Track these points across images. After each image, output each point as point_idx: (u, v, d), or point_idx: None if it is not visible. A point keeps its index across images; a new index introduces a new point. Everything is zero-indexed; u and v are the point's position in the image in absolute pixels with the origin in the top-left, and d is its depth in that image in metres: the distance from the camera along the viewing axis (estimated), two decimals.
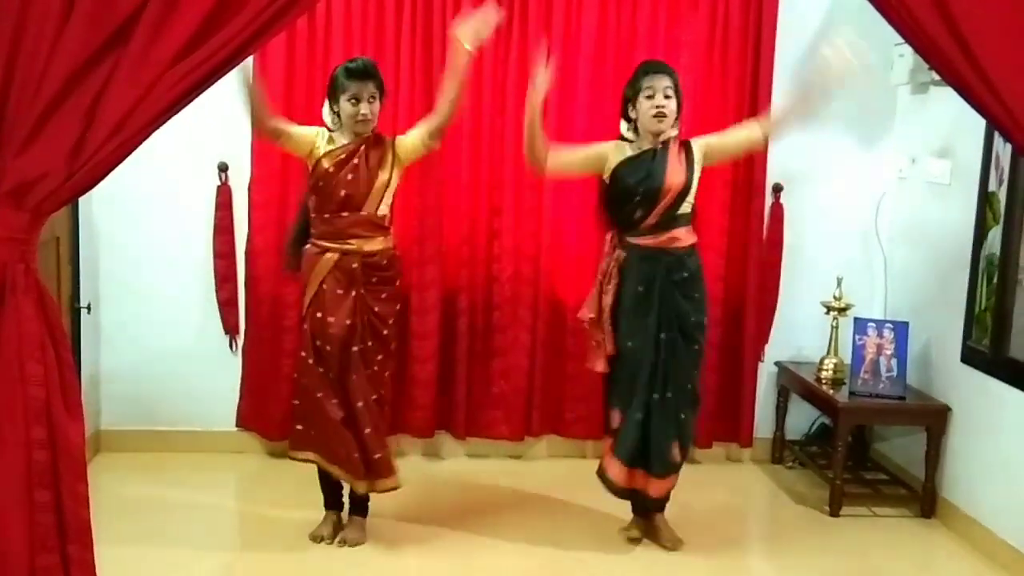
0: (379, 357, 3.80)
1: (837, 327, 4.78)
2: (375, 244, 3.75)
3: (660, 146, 3.78)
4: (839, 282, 4.79)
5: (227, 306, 4.79)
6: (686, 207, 3.82)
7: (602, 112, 4.70)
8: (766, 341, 5.01)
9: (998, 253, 4.08)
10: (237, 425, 4.88)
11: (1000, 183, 4.09)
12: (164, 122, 2.21)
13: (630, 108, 3.82)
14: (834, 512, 4.47)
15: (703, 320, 3.89)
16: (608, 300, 3.84)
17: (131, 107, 2.12)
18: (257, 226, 4.69)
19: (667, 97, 3.73)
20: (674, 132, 3.83)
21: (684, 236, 3.83)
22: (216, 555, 3.92)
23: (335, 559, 3.81)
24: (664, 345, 3.78)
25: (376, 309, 3.76)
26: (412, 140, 3.81)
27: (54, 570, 2.18)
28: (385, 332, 3.80)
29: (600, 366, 3.92)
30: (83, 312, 4.42)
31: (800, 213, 4.93)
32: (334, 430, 3.73)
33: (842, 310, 4.77)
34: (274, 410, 4.77)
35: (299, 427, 3.82)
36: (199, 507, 4.34)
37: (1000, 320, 4.06)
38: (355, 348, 3.72)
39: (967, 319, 4.29)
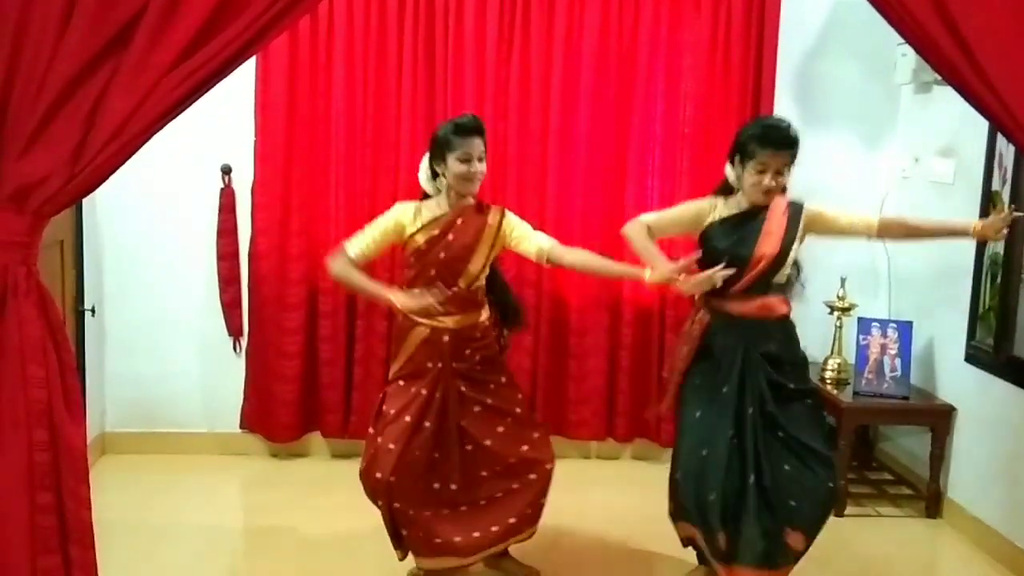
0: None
1: (841, 327, 4.78)
2: (467, 321, 3.45)
3: (764, 208, 3.40)
4: (843, 282, 4.78)
5: (231, 308, 4.80)
6: (781, 276, 3.44)
7: (603, 115, 4.71)
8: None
9: (1002, 252, 4.07)
10: (241, 427, 4.89)
11: (1003, 182, 4.08)
12: (164, 125, 2.22)
13: (737, 161, 3.40)
14: (839, 512, 4.45)
15: (803, 386, 3.48)
16: (682, 366, 3.49)
17: (131, 110, 2.13)
18: (260, 228, 4.70)
19: (779, 174, 3.34)
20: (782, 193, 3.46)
21: (777, 305, 3.45)
22: (221, 557, 3.93)
23: (339, 559, 3.82)
24: (749, 421, 3.37)
25: (466, 384, 3.47)
26: (527, 240, 3.47)
27: (55, 571, 2.19)
28: (489, 401, 3.50)
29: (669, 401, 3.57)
30: (87, 315, 4.43)
31: None
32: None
33: (846, 310, 4.77)
34: (279, 412, 4.79)
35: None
36: (204, 509, 4.35)
37: (1004, 319, 4.05)
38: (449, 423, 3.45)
39: (971, 319, 4.28)
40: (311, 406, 4.84)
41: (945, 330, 4.49)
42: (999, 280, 4.09)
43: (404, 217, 3.42)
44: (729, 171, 3.45)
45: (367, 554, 3.82)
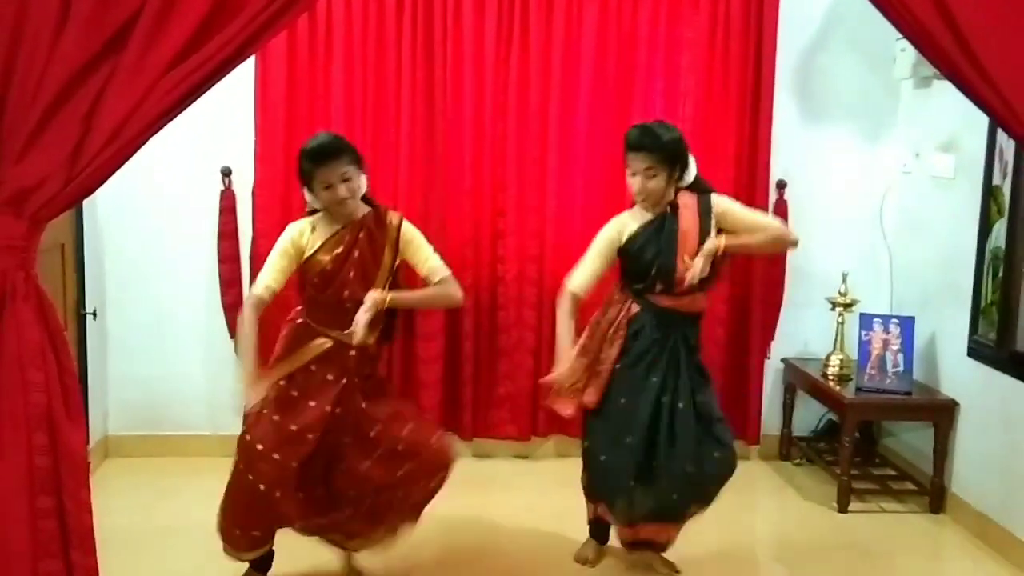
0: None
1: (843, 323, 4.78)
2: (374, 335, 3.36)
3: (669, 211, 3.48)
4: (844, 278, 4.78)
5: (232, 310, 4.78)
6: (706, 274, 3.49)
7: (603, 113, 4.71)
8: (772, 338, 5.00)
9: (1003, 246, 4.07)
10: None
11: (1004, 176, 4.07)
12: (162, 127, 2.21)
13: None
14: (842, 508, 4.46)
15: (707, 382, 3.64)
16: (614, 352, 3.54)
17: (128, 112, 2.12)
18: (261, 230, 4.69)
19: (649, 176, 3.41)
20: (683, 184, 3.51)
21: (702, 301, 3.59)
22: (225, 560, 3.92)
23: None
24: (665, 408, 3.50)
25: (364, 402, 3.37)
26: (421, 262, 3.41)
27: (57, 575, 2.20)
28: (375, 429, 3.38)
29: (569, 410, 3.61)
30: (89, 318, 4.43)
31: (804, 209, 4.91)
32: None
33: (848, 306, 4.77)
34: None
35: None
36: (207, 512, 4.33)
37: (1006, 314, 4.05)
38: (346, 439, 3.35)
39: (973, 313, 4.27)
40: None
41: (947, 325, 4.49)
42: (1001, 274, 4.08)
43: (300, 238, 3.30)
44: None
45: (368, 554, 3.83)
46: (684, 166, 3.49)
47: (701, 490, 3.55)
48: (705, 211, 3.48)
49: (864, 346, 4.57)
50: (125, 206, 4.66)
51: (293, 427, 3.26)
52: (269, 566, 3.56)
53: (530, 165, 4.74)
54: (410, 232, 3.41)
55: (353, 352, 3.31)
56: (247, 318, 3.28)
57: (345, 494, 3.38)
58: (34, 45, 2.09)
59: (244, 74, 4.52)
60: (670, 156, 3.42)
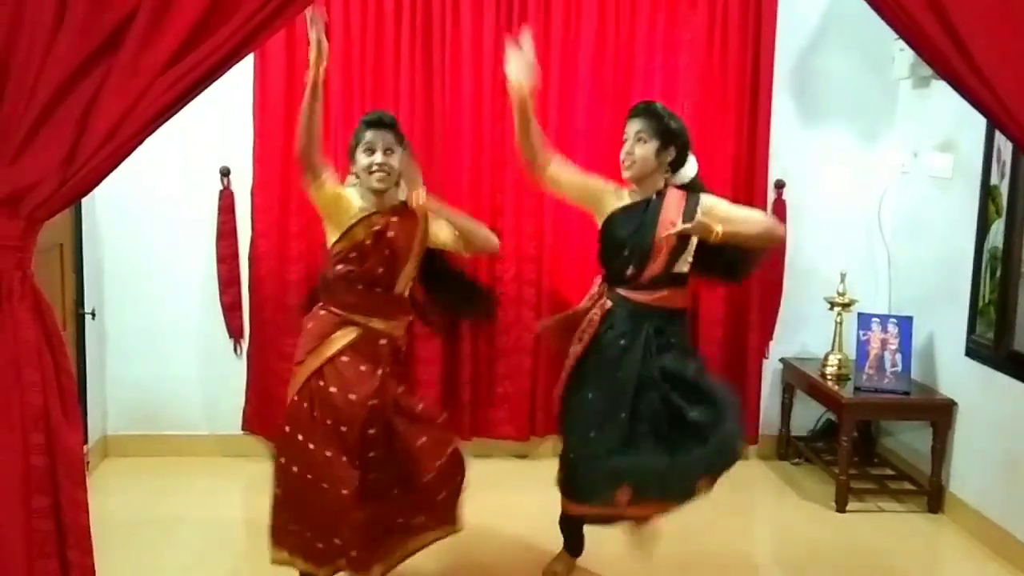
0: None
1: (841, 323, 4.78)
2: (400, 327, 3.39)
3: (655, 196, 3.44)
4: (843, 278, 4.79)
5: (231, 310, 4.80)
6: (682, 266, 3.46)
7: (602, 114, 4.71)
8: (770, 338, 5.01)
9: (1001, 246, 4.07)
10: (243, 429, 4.90)
11: (1002, 176, 4.08)
12: (157, 128, 2.21)
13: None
14: (841, 508, 4.46)
15: (695, 364, 3.53)
16: (578, 348, 3.50)
17: (123, 114, 2.13)
18: (260, 230, 4.70)
19: (639, 141, 3.41)
20: (677, 181, 3.50)
21: (678, 297, 3.49)
22: (223, 560, 3.93)
23: None
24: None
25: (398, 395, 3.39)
26: (443, 235, 3.41)
27: (53, 575, 2.20)
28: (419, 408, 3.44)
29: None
30: (88, 318, 4.43)
31: (803, 209, 4.92)
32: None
33: (846, 306, 4.77)
34: (279, 414, 4.76)
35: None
36: (206, 512, 4.35)
37: (1004, 314, 4.05)
38: (371, 431, 3.28)
39: (971, 313, 4.28)
40: None
41: (945, 325, 4.49)
42: (999, 274, 4.08)
43: (349, 202, 3.28)
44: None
45: None
46: (680, 154, 3.46)
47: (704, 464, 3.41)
48: (691, 207, 3.42)
49: (862, 346, 4.57)
50: (124, 206, 4.67)
51: (328, 421, 3.22)
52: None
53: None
54: (437, 227, 3.41)
55: (384, 341, 3.29)
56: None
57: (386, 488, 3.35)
58: (30, 46, 2.09)
59: (243, 73, 4.53)
60: (664, 131, 3.40)
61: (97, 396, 4.72)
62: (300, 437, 3.25)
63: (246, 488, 4.72)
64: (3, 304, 2.16)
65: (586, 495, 3.51)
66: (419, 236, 3.35)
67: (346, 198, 3.28)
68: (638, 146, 3.40)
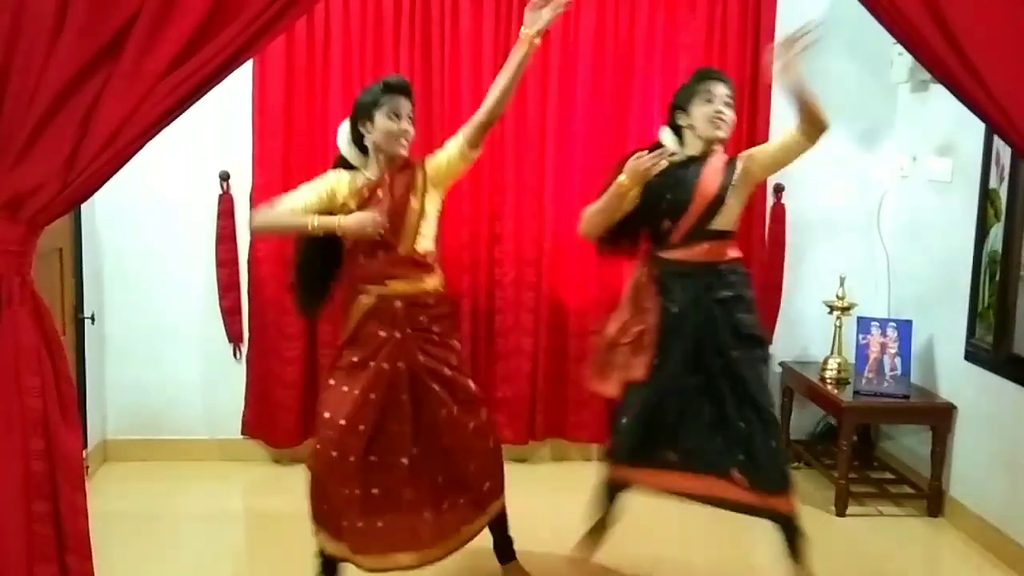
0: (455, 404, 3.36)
1: (840, 326, 4.78)
2: (419, 286, 3.31)
3: (700, 155, 3.50)
4: (842, 281, 4.79)
5: (230, 314, 4.80)
6: (723, 224, 3.47)
7: (600, 117, 4.72)
8: (770, 341, 4.99)
9: (1000, 250, 4.07)
10: (243, 433, 4.89)
11: (1001, 180, 4.08)
12: (158, 132, 2.22)
13: (680, 115, 3.54)
14: (840, 512, 4.46)
15: (757, 332, 3.52)
16: (652, 319, 3.46)
17: (125, 118, 2.13)
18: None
19: (727, 105, 3.48)
20: (719, 146, 3.55)
21: (725, 248, 3.49)
22: (223, 564, 3.93)
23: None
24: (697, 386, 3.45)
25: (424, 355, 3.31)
26: (447, 154, 3.32)
27: None
28: (448, 372, 3.35)
29: (613, 390, 3.57)
30: (87, 322, 4.43)
31: (802, 213, 4.92)
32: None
33: (845, 309, 4.77)
34: (280, 418, 4.79)
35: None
36: (206, 516, 4.35)
37: (1003, 317, 4.05)
38: (404, 396, 3.28)
39: (970, 317, 4.28)
40: (312, 411, 4.80)
41: (945, 328, 4.49)
42: (998, 278, 4.08)
43: (339, 186, 3.29)
44: (668, 136, 3.56)
45: None
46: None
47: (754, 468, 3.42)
48: (730, 166, 3.51)
49: (862, 350, 4.58)
50: (123, 210, 4.67)
51: (355, 391, 3.21)
52: None
53: (527, 169, 4.74)
54: (436, 158, 3.36)
55: (399, 303, 3.26)
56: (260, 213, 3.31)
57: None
58: (30, 50, 2.09)
59: (242, 78, 4.53)
60: (734, 99, 3.54)
61: (97, 400, 4.72)
62: (327, 415, 3.22)
63: (246, 492, 4.73)
64: (3, 309, 2.16)
65: (638, 456, 3.51)
66: (417, 186, 3.30)
67: (333, 191, 3.28)
68: (727, 109, 3.50)
